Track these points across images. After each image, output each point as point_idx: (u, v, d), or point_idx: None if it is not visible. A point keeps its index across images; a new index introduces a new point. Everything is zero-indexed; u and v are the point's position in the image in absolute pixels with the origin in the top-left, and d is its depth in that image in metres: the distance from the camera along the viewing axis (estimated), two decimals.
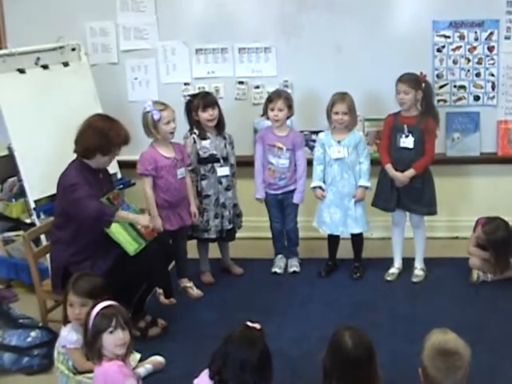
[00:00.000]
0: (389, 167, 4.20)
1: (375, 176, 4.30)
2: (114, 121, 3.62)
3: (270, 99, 4.28)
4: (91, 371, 2.96)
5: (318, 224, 4.40)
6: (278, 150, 4.32)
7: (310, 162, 4.36)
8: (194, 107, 4.18)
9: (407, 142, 4.14)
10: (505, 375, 3.13)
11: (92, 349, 2.76)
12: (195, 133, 4.21)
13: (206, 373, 2.58)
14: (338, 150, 4.21)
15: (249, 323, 2.61)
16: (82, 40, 4.78)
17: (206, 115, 4.14)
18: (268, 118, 4.33)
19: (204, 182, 4.24)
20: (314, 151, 4.44)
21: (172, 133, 3.99)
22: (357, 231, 4.33)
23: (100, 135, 3.51)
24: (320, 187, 4.29)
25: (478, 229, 4.25)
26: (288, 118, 4.33)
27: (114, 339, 2.73)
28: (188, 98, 4.36)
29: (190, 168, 4.18)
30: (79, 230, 3.50)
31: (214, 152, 4.22)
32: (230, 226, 4.33)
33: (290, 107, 4.28)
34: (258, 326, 2.60)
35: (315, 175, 4.31)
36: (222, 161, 4.24)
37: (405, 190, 4.19)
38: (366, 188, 4.27)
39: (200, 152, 4.20)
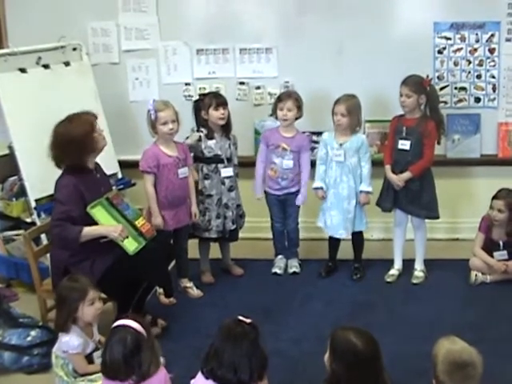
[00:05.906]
0: (387, 168, 4.22)
1: (376, 178, 4.30)
2: (66, 120, 3.52)
3: (280, 99, 4.28)
4: (92, 374, 3.00)
5: (322, 225, 4.39)
6: (282, 151, 4.32)
7: (311, 164, 4.36)
8: (205, 105, 4.17)
9: (405, 143, 4.14)
10: (505, 376, 3.12)
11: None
12: (202, 131, 4.21)
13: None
14: (338, 154, 4.20)
15: (240, 317, 2.62)
16: (83, 40, 4.79)
17: (217, 114, 4.14)
18: (277, 118, 4.33)
19: (207, 182, 4.24)
20: (315, 152, 4.45)
21: (170, 134, 3.97)
22: (355, 230, 4.31)
23: (68, 144, 3.44)
24: (322, 188, 4.28)
25: (493, 202, 4.19)
26: (297, 118, 4.32)
27: None
28: (198, 97, 4.34)
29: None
30: None
31: (219, 152, 4.22)
32: (233, 227, 4.33)
33: (299, 108, 4.27)
34: (248, 320, 2.60)
35: (317, 175, 4.31)
36: (225, 161, 4.24)
37: (402, 191, 4.20)
38: (368, 193, 4.26)
39: (205, 151, 4.20)
